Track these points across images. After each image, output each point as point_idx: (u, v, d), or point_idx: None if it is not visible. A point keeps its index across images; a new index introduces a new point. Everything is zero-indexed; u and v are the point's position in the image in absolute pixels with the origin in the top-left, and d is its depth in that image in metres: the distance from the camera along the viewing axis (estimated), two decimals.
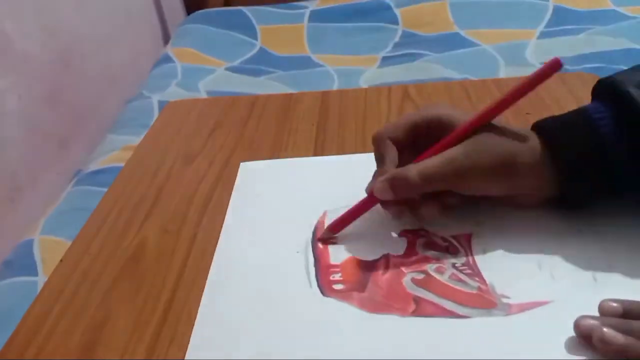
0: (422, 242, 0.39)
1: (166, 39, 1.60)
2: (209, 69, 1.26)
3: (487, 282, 0.35)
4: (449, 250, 0.38)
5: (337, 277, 0.37)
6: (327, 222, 0.42)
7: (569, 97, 0.56)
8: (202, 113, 0.62)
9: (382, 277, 0.36)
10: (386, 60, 1.26)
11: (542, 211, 0.40)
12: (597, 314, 0.32)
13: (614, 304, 0.31)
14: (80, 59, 1.15)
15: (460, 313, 0.33)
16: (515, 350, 0.31)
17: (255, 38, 1.40)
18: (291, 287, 0.36)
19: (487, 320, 0.33)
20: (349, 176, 0.46)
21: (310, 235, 0.41)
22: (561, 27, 1.27)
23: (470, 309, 0.34)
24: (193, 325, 0.35)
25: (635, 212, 0.39)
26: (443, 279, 0.36)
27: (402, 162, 0.39)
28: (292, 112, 0.59)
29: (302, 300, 0.35)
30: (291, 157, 0.51)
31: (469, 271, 0.36)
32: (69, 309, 0.37)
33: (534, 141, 0.37)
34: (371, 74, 1.21)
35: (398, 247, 0.39)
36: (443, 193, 0.38)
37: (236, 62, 1.30)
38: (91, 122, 1.16)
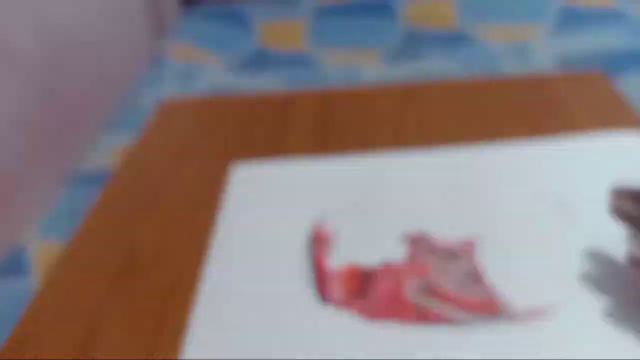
0: (424, 248, 0.38)
1: (162, 37, 1.59)
2: (206, 66, 1.25)
3: (491, 288, 0.35)
4: (451, 255, 0.37)
5: (336, 283, 0.36)
6: (325, 226, 0.41)
7: (574, 95, 0.55)
8: (198, 113, 0.61)
9: (383, 285, 0.36)
10: (388, 58, 1.25)
11: (547, 214, 0.39)
12: (602, 320, 0.31)
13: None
14: (75, 58, 1.14)
15: (464, 320, 0.33)
16: (520, 357, 0.30)
17: (255, 35, 1.38)
18: (289, 294, 0.36)
19: (491, 327, 0.32)
20: (345, 179, 0.45)
21: (308, 241, 0.40)
22: (568, 25, 1.27)
23: (474, 316, 0.33)
24: (191, 326, 0.34)
25: None
26: (445, 285, 0.35)
27: None
28: (292, 112, 0.58)
29: (300, 308, 0.35)
30: (290, 157, 0.50)
31: (472, 277, 0.35)
32: (68, 309, 0.37)
33: None
34: (372, 71, 1.20)
35: (399, 252, 0.38)
36: None
37: (234, 60, 1.29)
38: (86, 122, 1.15)
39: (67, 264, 0.40)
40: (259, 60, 1.28)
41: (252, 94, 0.64)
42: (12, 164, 0.92)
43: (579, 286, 0.34)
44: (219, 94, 1.08)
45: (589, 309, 0.32)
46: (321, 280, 0.36)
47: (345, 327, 0.33)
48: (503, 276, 0.35)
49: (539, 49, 1.18)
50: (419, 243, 0.38)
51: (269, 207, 0.44)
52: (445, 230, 0.39)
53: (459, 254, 0.37)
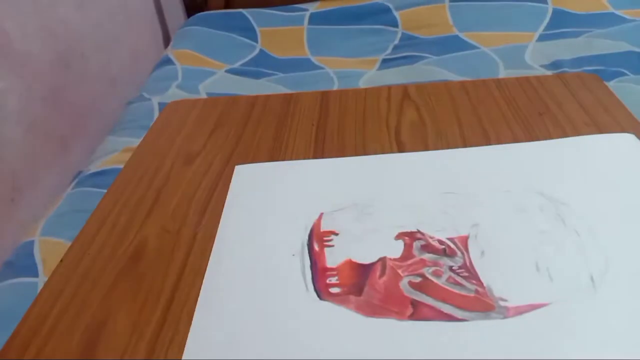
0: (419, 245, 0.39)
1: (166, 40, 1.60)
2: (209, 71, 1.27)
3: (485, 284, 0.35)
4: (446, 252, 0.38)
5: (333, 280, 0.37)
6: (323, 225, 0.41)
7: (569, 96, 0.56)
8: (201, 113, 0.62)
9: (379, 281, 0.36)
10: (386, 63, 1.26)
11: (540, 213, 0.40)
12: (594, 317, 0.32)
13: None
14: (81, 59, 1.16)
15: (458, 316, 0.33)
16: (513, 353, 0.31)
17: (256, 40, 1.40)
18: (287, 291, 0.36)
19: (484, 323, 0.33)
20: (344, 178, 0.46)
21: (307, 238, 0.40)
22: (560, 30, 1.28)
23: (468, 312, 0.33)
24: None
25: (630, 212, 0.39)
26: (440, 282, 0.36)
27: None
28: (292, 112, 0.59)
29: (298, 304, 0.35)
30: (291, 157, 0.51)
31: (466, 274, 0.36)
32: (69, 309, 0.37)
33: None
34: (371, 76, 1.21)
35: (395, 250, 0.39)
36: None
37: (236, 65, 1.30)
38: (91, 123, 1.16)
39: (72, 263, 0.41)
40: (261, 65, 1.29)
41: (254, 96, 0.65)
42: (19, 163, 0.94)
43: (572, 283, 0.35)
44: (222, 97, 1.09)
45: (581, 306, 0.33)
46: (319, 277, 0.37)
47: (341, 323, 0.34)
48: (496, 273, 0.36)
49: (532, 52, 1.20)
50: (414, 240, 0.39)
51: (269, 206, 0.45)
52: (440, 227, 0.40)
53: (454, 251, 0.38)
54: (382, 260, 0.38)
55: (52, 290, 0.39)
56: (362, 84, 1.17)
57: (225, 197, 0.46)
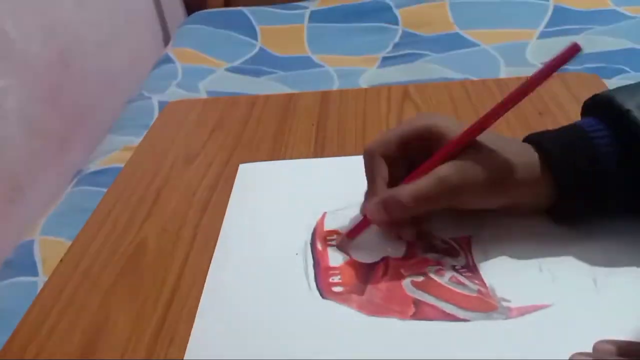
0: (422, 245, 0.39)
1: (166, 39, 1.60)
2: (209, 69, 1.27)
3: (487, 285, 0.35)
4: (449, 252, 0.38)
5: (336, 279, 0.37)
6: (327, 224, 0.41)
7: (569, 96, 0.56)
8: (202, 113, 0.62)
9: (382, 280, 0.36)
10: (386, 61, 1.26)
11: (542, 214, 0.40)
12: (596, 317, 0.32)
13: (608, 345, 0.30)
14: (80, 59, 1.16)
15: (460, 316, 0.33)
16: (515, 354, 0.31)
17: (256, 38, 1.40)
18: (290, 289, 0.36)
19: (487, 323, 0.33)
20: (347, 178, 0.46)
21: (310, 237, 0.40)
22: (561, 27, 1.27)
23: (470, 312, 0.33)
24: (193, 325, 0.35)
25: (635, 216, 0.39)
26: (443, 281, 0.36)
27: (394, 176, 0.38)
28: (292, 112, 0.59)
29: (301, 303, 0.35)
30: (291, 157, 0.51)
31: (468, 274, 0.36)
32: (69, 309, 0.37)
33: (531, 156, 0.36)
34: (371, 74, 1.21)
35: (398, 249, 0.39)
36: (420, 218, 0.38)
37: (236, 63, 1.30)
38: (91, 122, 1.16)
39: (72, 263, 0.41)
40: (261, 63, 1.29)
41: (254, 95, 0.65)
42: (19, 162, 0.94)
43: (574, 284, 0.34)
44: (222, 96, 1.09)
45: (583, 307, 0.33)
46: (321, 276, 0.37)
47: (343, 322, 0.34)
48: (499, 273, 0.36)
49: (533, 50, 1.19)
50: (417, 240, 0.39)
51: (273, 204, 0.45)
52: (444, 227, 0.40)
53: (457, 251, 0.38)
54: (385, 259, 0.38)
55: (52, 290, 0.39)
56: (363, 82, 1.17)
57: (225, 197, 0.46)
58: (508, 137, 0.38)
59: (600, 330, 0.31)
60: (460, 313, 0.33)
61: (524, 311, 0.33)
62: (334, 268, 0.38)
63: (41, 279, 0.72)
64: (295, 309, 0.35)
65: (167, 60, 1.30)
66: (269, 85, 1.19)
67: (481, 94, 0.59)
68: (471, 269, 0.36)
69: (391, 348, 0.32)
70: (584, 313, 0.33)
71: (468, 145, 0.36)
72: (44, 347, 0.35)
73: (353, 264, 0.38)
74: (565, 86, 0.57)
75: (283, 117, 0.58)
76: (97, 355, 0.34)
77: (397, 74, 1.17)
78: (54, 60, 1.06)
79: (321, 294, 0.36)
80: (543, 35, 1.26)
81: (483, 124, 0.36)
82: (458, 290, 0.35)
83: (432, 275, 0.36)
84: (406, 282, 0.36)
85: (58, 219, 0.83)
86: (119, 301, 0.37)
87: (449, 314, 0.33)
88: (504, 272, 0.36)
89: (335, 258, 0.39)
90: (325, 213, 0.43)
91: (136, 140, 0.61)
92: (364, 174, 0.40)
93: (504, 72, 1.12)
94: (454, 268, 0.37)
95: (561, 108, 0.54)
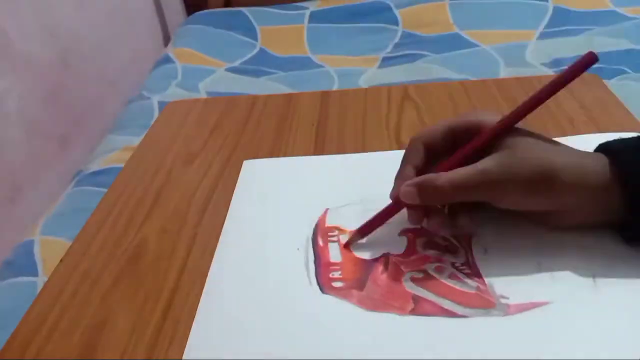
0: (422, 242, 0.39)
1: (166, 39, 1.60)
2: (209, 69, 1.27)
3: (486, 282, 0.35)
4: (449, 249, 0.38)
5: (336, 274, 0.37)
6: (328, 220, 0.42)
7: (569, 96, 0.56)
8: (202, 113, 0.62)
9: (382, 276, 0.37)
10: (386, 61, 1.26)
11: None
12: (595, 315, 0.32)
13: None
14: (81, 59, 1.16)
15: (459, 312, 0.33)
16: (513, 351, 0.31)
17: (256, 39, 1.40)
18: (290, 284, 0.37)
19: (485, 320, 0.33)
20: (350, 175, 0.46)
21: (311, 233, 0.41)
22: (561, 28, 1.27)
23: (469, 309, 0.34)
24: (193, 324, 0.35)
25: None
26: (442, 278, 0.36)
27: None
28: (292, 112, 0.59)
29: (301, 298, 0.35)
30: (291, 157, 0.51)
31: (468, 271, 0.36)
32: (69, 309, 0.37)
33: (588, 159, 0.34)
34: (371, 74, 1.21)
35: (398, 246, 0.39)
36: (467, 208, 0.37)
37: (236, 63, 1.30)
38: (91, 122, 1.16)
39: (72, 263, 0.41)
40: (261, 63, 1.29)
41: (254, 96, 0.65)
42: (19, 162, 0.94)
43: (574, 282, 0.34)
44: (222, 96, 1.09)
45: (582, 305, 0.33)
46: (322, 271, 0.37)
47: (343, 317, 0.34)
48: (499, 271, 0.36)
49: (533, 50, 1.19)
50: (418, 237, 0.39)
51: (276, 200, 0.45)
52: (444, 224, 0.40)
53: (457, 248, 0.38)
54: (385, 256, 0.38)
55: (52, 290, 0.39)
56: (363, 82, 1.17)
57: (226, 197, 0.46)
58: (556, 140, 0.36)
59: (598, 328, 0.32)
60: (458, 309, 0.34)
61: (522, 308, 0.33)
62: (335, 263, 0.38)
63: (41, 279, 0.72)
64: (295, 303, 0.35)
65: (167, 60, 1.30)
66: (268, 86, 1.19)
67: (481, 94, 0.59)
68: (471, 266, 0.37)
69: (390, 343, 0.32)
70: (582, 310, 0.33)
71: (508, 136, 0.35)
72: (44, 347, 0.35)
73: (353, 259, 0.38)
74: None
75: (283, 117, 0.58)
76: (97, 355, 0.34)
77: (397, 74, 1.17)
78: (54, 60, 1.06)
79: (321, 289, 0.36)
80: (543, 36, 1.26)
81: (516, 116, 0.35)
82: (457, 287, 0.35)
83: (432, 272, 0.36)
84: (406, 279, 0.36)
85: (58, 219, 0.83)
86: (119, 301, 0.37)
87: (447, 310, 0.34)
88: (503, 270, 0.36)
89: (336, 254, 0.39)
90: (327, 209, 0.43)
91: (136, 140, 0.61)
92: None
93: (504, 73, 1.12)
94: (453, 265, 0.37)
95: (560, 107, 0.54)
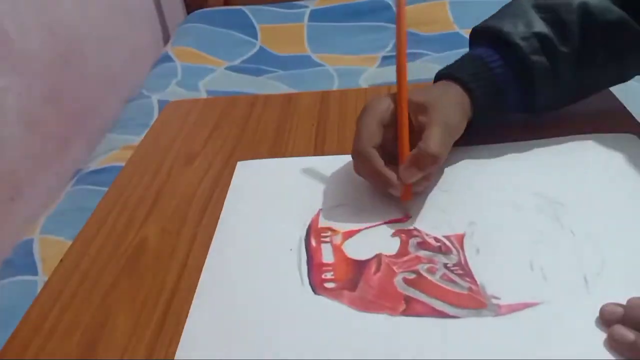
0: (414, 242, 0.39)
1: (166, 38, 1.60)
2: (209, 68, 1.27)
3: (478, 282, 0.35)
4: (441, 250, 0.38)
5: (329, 275, 0.37)
6: (321, 221, 0.42)
7: None
8: (202, 113, 0.62)
9: (374, 277, 0.37)
10: (386, 60, 1.26)
11: (536, 212, 0.40)
12: (586, 315, 0.32)
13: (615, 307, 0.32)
14: (81, 58, 1.15)
15: (450, 313, 0.34)
16: (505, 351, 0.31)
17: (255, 37, 1.40)
18: (283, 285, 0.37)
19: (476, 320, 0.33)
20: (342, 175, 0.46)
21: (304, 233, 0.41)
22: None
23: (460, 309, 0.34)
24: None
25: (627, 213, 0.39)
26: (434, 279, 0.36)
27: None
28: (292, 112, 0.59)
29: (293, 298, 0.36)
30: (291, 156, 0.51)
31: (460, 271, 0.36)
32: (69, 309, 0.38)
33: (453, 88, 0.45)
34: (371, 73, 1.21)
35: (391, 246, 0.39)
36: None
37: (236, 62, 1.30)
38: (91, 121, 1.16)
39: (72, 263, 0.41)
40: (261, 62, 1.29)
41: (254, 95, 0.65)
42: (18, 161, 0.94)
43: (565, 283, 0.35)
44: (222, 95, 1.09)
45: (574, 306, 0.33)
46: (314, 272, 0.37)
47: (334, 317, 0.34)
48: (491, 271, 0.36)
49: None
50: (411, 237, 0.39)
51: (269, 201, 0.45)
52: (437, 225, 0.40)
53: (449, 249, 0.38)
54: (378, 256, 0.38)
55: (52, 290, 0.39)
56: (363, 81, 1.17)
57: (225, 197, 0.46)
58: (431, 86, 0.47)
59: (590, 328, 0.32)
60: (450, 310, 0.34)
61: (513, 309, 0.33)
62: (327, 264, 0.38)
63: (41, 278, 0.72)
64: (288, 304, 0.35)
65: (167, 59, 1.30)
66: (268, 84, 1.19)
67: None
68: (463, 267, 0.37)
69: (381, 343, 0.32)
70: (574, 311, 0.33)
71: (417, 107, 0.43)
72: (44, 347, 0.35)
73: (346, 260, 0.38)
74: None
75: (283, 117, 0.58)
76: (97, 355, 0.34)
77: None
78: (54, 59, 1.06)
79: (314, 290, 0.36)
80: None
81: (400, 72, 0.45)
82: (449, 287, 0.35)
83: (424, 273, 0.36)
84: (398, 279, 0.36)
85: (58, 218, 0.83)
86: (119, 301, 0.37)
87: (439, 311, 0.34)
88: (495, 270, 0.36)
89: (329, 254, 0.39)
90: (320, 210, 0.43)
91: (136, 139, 0.61)
92: (360, 172, 0.42)
93: None
94: (445, 266, 0.37)
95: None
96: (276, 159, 0.51)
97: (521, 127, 0.50)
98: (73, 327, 0.36)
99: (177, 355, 0.33)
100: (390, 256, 0.38)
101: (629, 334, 0.30)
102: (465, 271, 0.36)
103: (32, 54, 0.99)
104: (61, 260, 0.42)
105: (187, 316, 0.36)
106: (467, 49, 0.51)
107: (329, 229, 0.41)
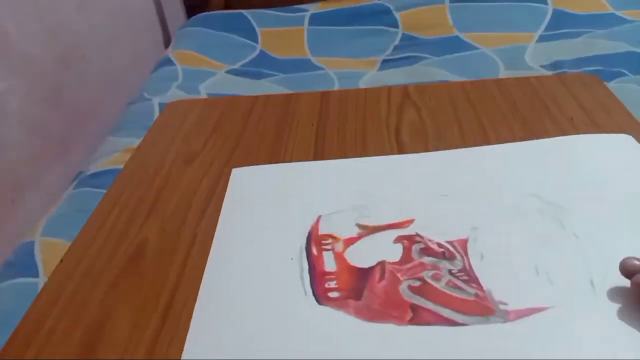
0: (418, 248, 0.38)
1: (167, 41, 1.61)
2: (209, 71, 1.27)
3: (485, 288, 0.35)
4: (445, 256, 0.38)
5: (332, 284, 0.36)
6: (321, 228, 0.41)
7: (569, 97, 0.56)
8: (202, 114, 0.62)
9: (378, 285, 0.36)
10: (386, 64, 1.26)
11: (539, 216, 0.40)
12: (594, 319, 0.32)
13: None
14: (81, 60, 1.16)
15: (458, 320, 0.33)
16: (514, 357, 0.31)
17: (256, 41, 1.40)
18: (286, 296, 0.36)
19: (485, 327, 0.32)
20: (341, 180, 0.46)
21: (304, 242, 0.40)
22: (560, 31, 1.28)
23: (468, 317, 0.33)
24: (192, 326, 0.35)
25: (627, 214, 0.39)
26: (440, 285, 0.35)
27: None
28: (292, 113, 0.59)
29: (296, 309, 0.35)
30: (291, 157, 0.51)
31: (465, 277, 0.36)
32: (69, 309, 0.37)
33: None
34: (371, 77, 1.21)
35: (393, 253, 0.38)
36: None
37: (237, 65, 1.30)
38: (92, 124, 1.16)
39: (72, 263, 0.41)
40: (262, 65, 1.29)
41: (254, 96, 0.65)
42: (19, 163, 0.94)
43: (572, 287, 0.34)
44: (221, 97, 1.09)
45: (581, 310, 0.33)
46: (317, 281, 0.37)
47: (340, 328, 0.33)
48: (496, 277, 0.36)
49: (532, 53, 1.19)
50: (414, 244, 0.39)
51: (267, 209, 0.44)
52: (440, 231, 0.40)
53: (453, 255, 0.38)
54: (381, 264, 0.37)
55: (52, 290, 0.39)
56: (363, 84, 1.17)
57: (224, 198, 0.46)
58: None
59: (598, 332, 0.31)
60: (458, 317, 0.33)
61: (522, 314, 0.33)
62: (330, 273, 0.37)
63: (42, 280, 0.72)
64: (292, 316, 0.34)
65: (168, 62, 1.30)
66: (269, 88, 1.19)
67: (481, 94, 0.59)
68: (468, 273, 0.36)
69: (389, 354, 0.31)
70: (582, 315, 0.32)
71: None
72: (44, 347, 0.35)
73: (348, 268, 0.37)
74: (565, 87, 0.58)
75: (283, 117, 0.58)
76: (97, 355, 0.34)
77: (396, 77, 1.17)
78: (55, 61, 1.07)
79: (317, 300, 0.35)
80: (542, 38, 1.26)
81: None
82: (455, 294, 0.35)
83: (429, 280, 0.36)
84: (403, 287, 0.35)
85: (58, 220, 0.83)
86: (119, 301, 0.37)
87: (447, 319, 0.33)
88: (501, 275, 0.36)
89: (331, 263, 0.38)
90: (320, 216, 0.42)
91: (137, 142, 0.61)
92: None
93: (504, 75, 1.12)
94: (450, 272, 0.36)
95: (560, 108, 0.54)
96: (271, 165, 0.50)
97: (522, 128, 0.50)
98: (73, 327, 0.36)
99: None
100: (394, 263, 0.37)
101: None
102: (470, 277, 0.36)
103: (33, 56, 1.00)
104: (61, 260, 0.42)
105: (187, 316, 0.35)
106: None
107: (330, 236, 0.40)
